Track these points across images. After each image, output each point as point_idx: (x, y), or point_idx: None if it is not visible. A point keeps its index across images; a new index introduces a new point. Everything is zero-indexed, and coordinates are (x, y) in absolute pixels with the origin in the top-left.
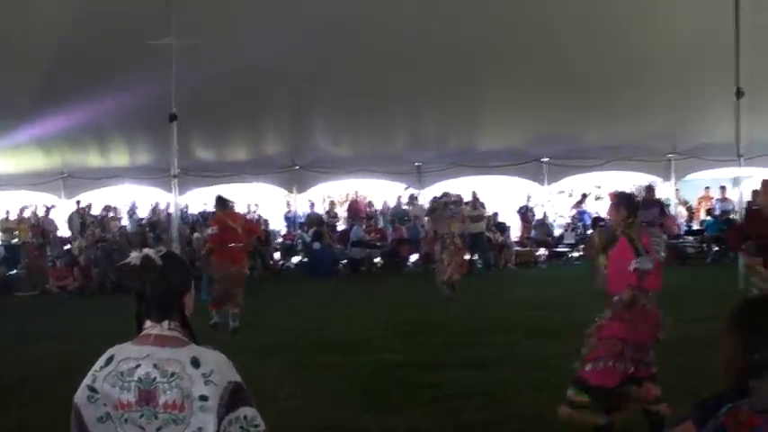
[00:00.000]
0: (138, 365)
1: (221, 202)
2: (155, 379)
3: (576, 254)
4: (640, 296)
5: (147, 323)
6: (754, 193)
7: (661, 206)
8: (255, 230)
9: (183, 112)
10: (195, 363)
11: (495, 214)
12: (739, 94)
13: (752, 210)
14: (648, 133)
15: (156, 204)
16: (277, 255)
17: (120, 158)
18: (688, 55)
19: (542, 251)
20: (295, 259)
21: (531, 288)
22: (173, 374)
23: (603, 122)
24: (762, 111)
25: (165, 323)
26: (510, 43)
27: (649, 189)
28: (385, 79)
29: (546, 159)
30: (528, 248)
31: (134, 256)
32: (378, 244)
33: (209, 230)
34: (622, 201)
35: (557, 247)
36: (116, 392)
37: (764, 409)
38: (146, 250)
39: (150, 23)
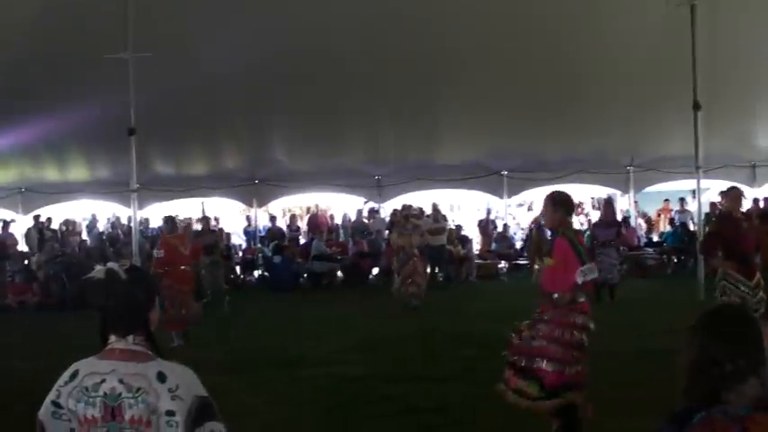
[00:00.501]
0: (103, 380)
1: (170, 222)
2: (120, 394)
3: (536, 266)
4: (579, 294)
5: (112, 338)
6: (712, 205)
7: (619, 226)
8: (199, 253)
9: (141, 126)
10: (161, 377)
11: (459, 227)
12: (697, 106)
13: (724, 215)
14: (607, 146)
15: (116, 219)
16: (238, 269)
17: (78, 173)
18: (645, 68)
19: (503, 264)
20: (256, 273)
21: (493, 301)
22: (138, 389)
23: (563, 135)
24: (718, 123)
25: (130, 338)
26: (469, 57)
27: (608, 205)
28: (344, 93)
29: (505, 172)
30: (489, 261)
31: (98, 270)
32: (339, 257)
33: (155, 253)
34: (559, 201)
35: (518, 260)
36: (81, 408)
37: (737, 415)
38: (110, 264)
39: (107, 38)
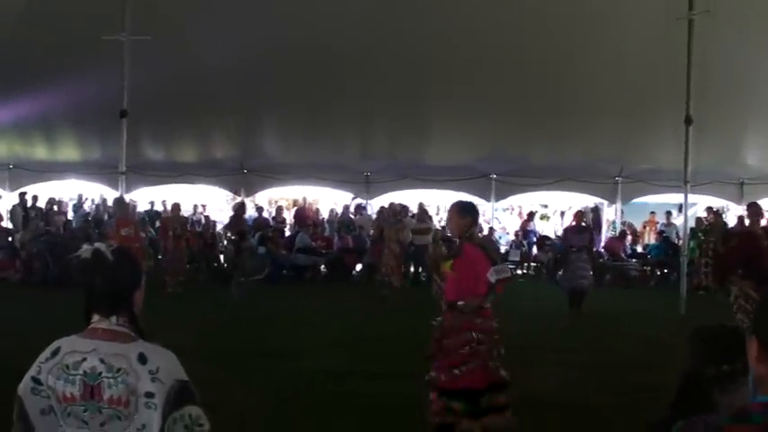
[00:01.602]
0: (83, 359)
1: (121, 205)
2: (100, 373)
3: (520, 271)
4: (486, 301)
5: (95, 317)
6: (698, 219)
7: (591, 232)
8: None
9: (133, 109)
10: (142, 359)
11: (444, 228)
12: (688, 121)
13: (747, 231)
14: (597, 155)
15: (103, 200)
16: (222, 258)
17: (67, 152)
18: (639, 79)
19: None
20: None
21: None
22: (119, 370)
23: (553, 142)
24: (709, 139)
25: (114, 318)
26: (465, 59)
27: (579, 214)
28: (337, 86)
29: (494, 176)
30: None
31: (85, 250)
32: (323, 252)
33: (123, 232)
34: (466, 209)
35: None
36: (60, 385)
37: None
38: (97, 244)
39: (104, 19)
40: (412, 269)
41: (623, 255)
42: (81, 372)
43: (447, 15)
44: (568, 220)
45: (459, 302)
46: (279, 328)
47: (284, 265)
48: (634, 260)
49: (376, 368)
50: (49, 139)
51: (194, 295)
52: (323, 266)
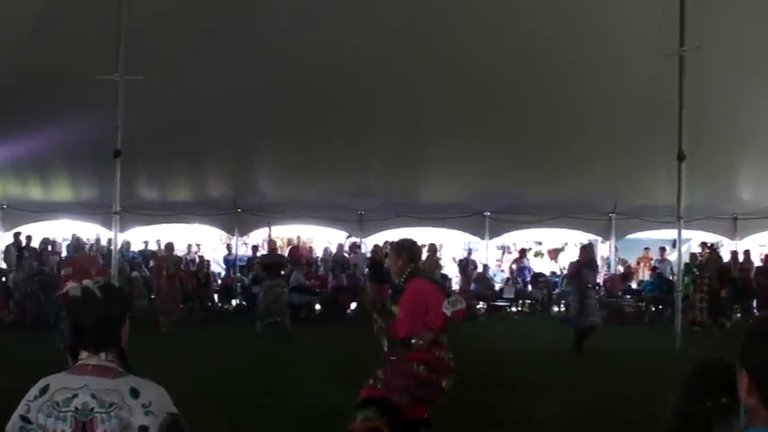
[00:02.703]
0: (75, 395)
1: (75, 242)
2: (92, 409)
3: (515, 308)
4: (440, 337)
5: (84, 354)
6: (693, 255)
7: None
8: (107, 274)
9: (127, 149)
10: (134, 393)
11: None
12: (681, 157)
13: None
14: (590, 192)
15: (96, 241)
16: (216, 297)
17: (61, 192)
18: (632, 116)
19: (482, 304)
20: (234, 302)
21: (467, 341)
22: (111, 404)
23: (546, 179)
24: (702, 175)
25: (103, 354)
26: (459, 98)
27: (590, 248)
28: (331, 125)
29: (488, 213)
30: (467, 301)
31: (73, 287)
32: (318, 291)
33: (63, 271)
34: (403, 249)
35: (496, 301)
36: (51, 423)
37: None
38: (85, 282)
39: (98, 59)
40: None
41: (620, 292)
42: (72, 408)
43: (440, 54)
44: (563, 257)
45: (413, 340)
46: (273, 367)
47: None
48: (628, 296)
49: None
50: (43, 179)
51: (188, 334)
52: (317, 305)
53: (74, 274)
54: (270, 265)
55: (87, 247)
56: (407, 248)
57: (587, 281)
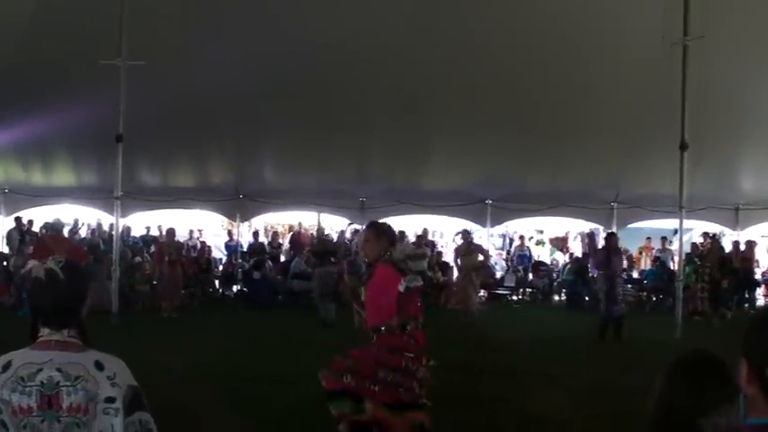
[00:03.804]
0: (39, 370)
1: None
2: (58, 383)
3: (515, 297)
4: (408, 321)
5: (45, 331)
6: (694, 245)
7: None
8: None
9: (129, 134)
10: (99, 366)
11: (439, 253)
12: (684, 146)
13: None
14: (592, 181)
15: (98, 225)
16: (217, 283)
17: (63, 177)
18: (634, 105)
19: (483, 292)
20: (235, 288)
21: (468, 329)
22: (77, 377)
23: (548, 168)
24: (704, 164)
25: (65, 331)
26: (461, 85)
27: (614, 235)
28: (333, 112)
29: (490, 201)
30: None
31: (36, 266)
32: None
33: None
34: (384, 232)
35: (497, 289)
36: (16, 398)
37: None
38: (48, 261)
39: (100, 44)
40: None
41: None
42: (37, 382)
43: (444, 41)
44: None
45: (382, 328)
46: (274, 354)
47: (280, 290)
48: (629, 286)
49: None
50: (44, 164)
51: (189, 320)
52: None
53: (35, 253)
54: (321, 252)
55: (69, 229)
56: (386, 232)
57: (616, 270)
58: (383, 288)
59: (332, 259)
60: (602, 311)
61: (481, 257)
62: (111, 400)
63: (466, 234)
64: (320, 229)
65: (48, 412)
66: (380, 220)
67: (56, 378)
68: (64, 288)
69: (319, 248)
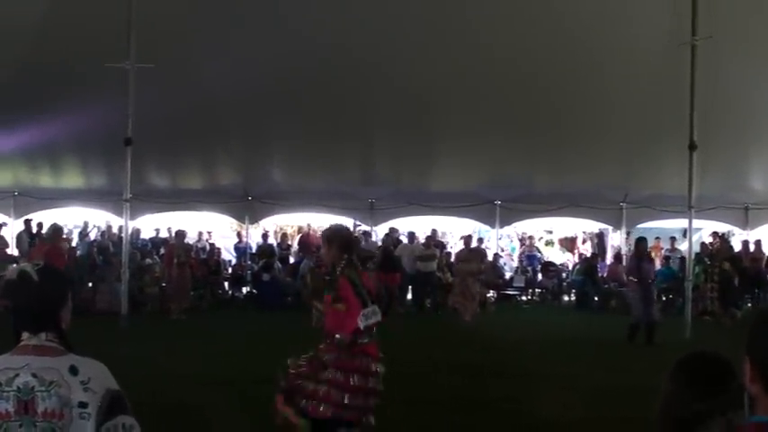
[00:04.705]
0: (16, 375)
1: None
2: (33, 388)
3: (525, 297)
4: (362, 337)
5: (25, 335)
6: (703, 245)
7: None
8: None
9: (138, 137)
10: (73, 370)
11: (449, 254)
12: (692, 146)
13: None
14: (601, 181)
15: (107, 228)
16: (226, 285)
17: (73, 179)
18: (643, 105)
19: (492, 293)
20: (244, 290)
21: (477, 330)
22: (51, 383)
23: (557, 169)
24: (713, 164)
25: (43, 335)
26: (469, 86)
27: (643, 241)
28: (341, 113)
29: (499, 202)
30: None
31: (11, 270)
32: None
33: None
34: (334, 238)
35: (506, 290)
36: None
37: None
38: (22, 264)
39: (109, 47)
40: (410, 296)
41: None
42: (14, 388)
43: (452, 43)
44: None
45: (337, 336)
46: (284, 356)
47: (289, 292)
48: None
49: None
50: (53, 167)
51: (198, 322)
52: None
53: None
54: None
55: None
56: (338, 238)
57: (648, 276)
58: (344, 309)
59: (368, 265)
60: (634, 317)
61: (482, 264)
62: (83, 405)
63: (467, 239)
64: (357, 237)
65: (25, 417)
66: (336, 225)
67: (31, 383)
68: (38, 291)
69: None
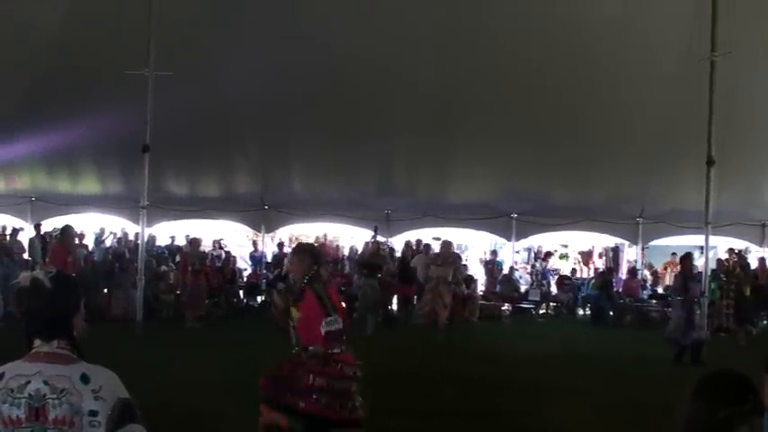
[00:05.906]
0: (28, 382)
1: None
2: (44, 395)
3: (540, 311)
4: (335, 347)
5: (37, 342)
6: (719, 261)
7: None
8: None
9: (156, 144)
10: (84, 379)
11: (464, 266)
12: (710, 162)
13: None
14: (618, 195)
15: (124, 234)
16: (241, 293)
17: (89, 186)
18: (661, 120)
19: (507, 306)
20: (259, 299)
21: (491, 342)
22: (62, 390)
23: (574, 183)
24: (730, 180)
25: (55, 342)
26: (486, 98)
27: (689, 258)
28: (358, 124)
29: (515, 215)
30: (493, 302)
31: (24, 277)
32: (343, 289)
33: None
34: (306, 251)
35: (521, 303)
36: (5, 409)
37: None
38: (35, 272)
39: (128, 54)
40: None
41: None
42: (26, 394)
43: (468, 54)
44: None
45: (311, 348)
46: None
47: None
48: (654, 301)
49: (387, 404)
50: (71, 173)
51: (213, 330)
52: (343, 303)
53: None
54: (371, 265)
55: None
56: (308, 252)
57: (695, 295)
58: (310, 320)
59: (378, 274)
60: (677, 337)
61: (457, 271)
62: (93, 413)
63: (446, 244)
64: (375, 243)
65: (36, 424)
66: (304, 242)
67: (42, 390)
68: (50, 298)
69: (367, 261)
